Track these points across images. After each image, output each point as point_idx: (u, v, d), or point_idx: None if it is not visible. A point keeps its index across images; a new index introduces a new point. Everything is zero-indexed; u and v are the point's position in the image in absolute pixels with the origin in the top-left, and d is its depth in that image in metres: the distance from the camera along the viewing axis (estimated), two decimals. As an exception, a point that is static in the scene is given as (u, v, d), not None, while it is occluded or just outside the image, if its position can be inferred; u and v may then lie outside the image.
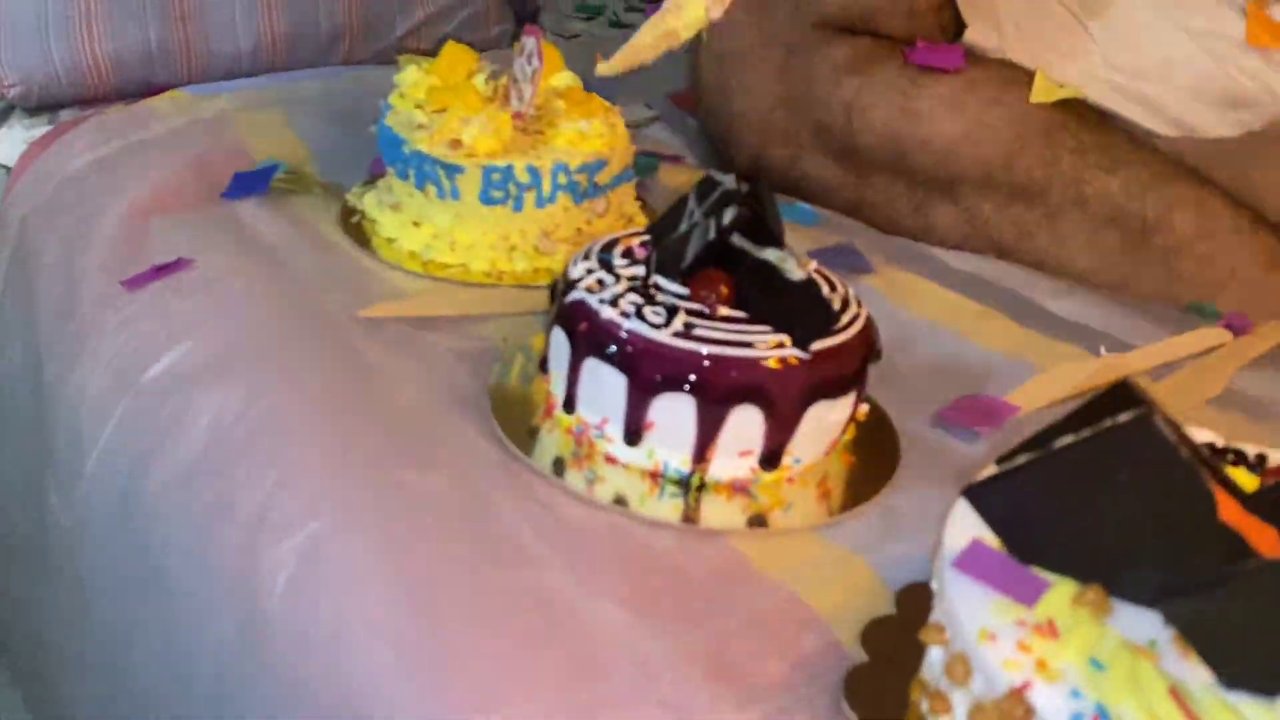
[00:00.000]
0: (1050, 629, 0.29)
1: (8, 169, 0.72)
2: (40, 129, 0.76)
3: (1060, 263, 0.63)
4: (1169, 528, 0.29)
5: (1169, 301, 0.62)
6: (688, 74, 0.78)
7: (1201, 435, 0.34)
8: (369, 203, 0.61)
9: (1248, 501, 0.29)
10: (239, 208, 0.61)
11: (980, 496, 0.32)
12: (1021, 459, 0.31)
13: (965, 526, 0.32)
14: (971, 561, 0.31)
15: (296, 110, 0.71)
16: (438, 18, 0.92)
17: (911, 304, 0.57)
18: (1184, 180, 0.63)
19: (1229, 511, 0.27)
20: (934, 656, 0.32)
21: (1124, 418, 0.29)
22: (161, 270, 0.56)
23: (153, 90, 0.78)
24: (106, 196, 0.63)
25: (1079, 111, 0.64)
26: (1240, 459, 0.35)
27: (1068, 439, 0.30)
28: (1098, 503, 0.29)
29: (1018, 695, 0.28)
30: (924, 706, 0.32)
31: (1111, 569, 0.29)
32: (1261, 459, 0.35)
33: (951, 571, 0.31)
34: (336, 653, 0.38)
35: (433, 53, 0.64)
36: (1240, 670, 0.27)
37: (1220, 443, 0.35)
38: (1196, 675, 0.28)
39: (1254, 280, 0.61)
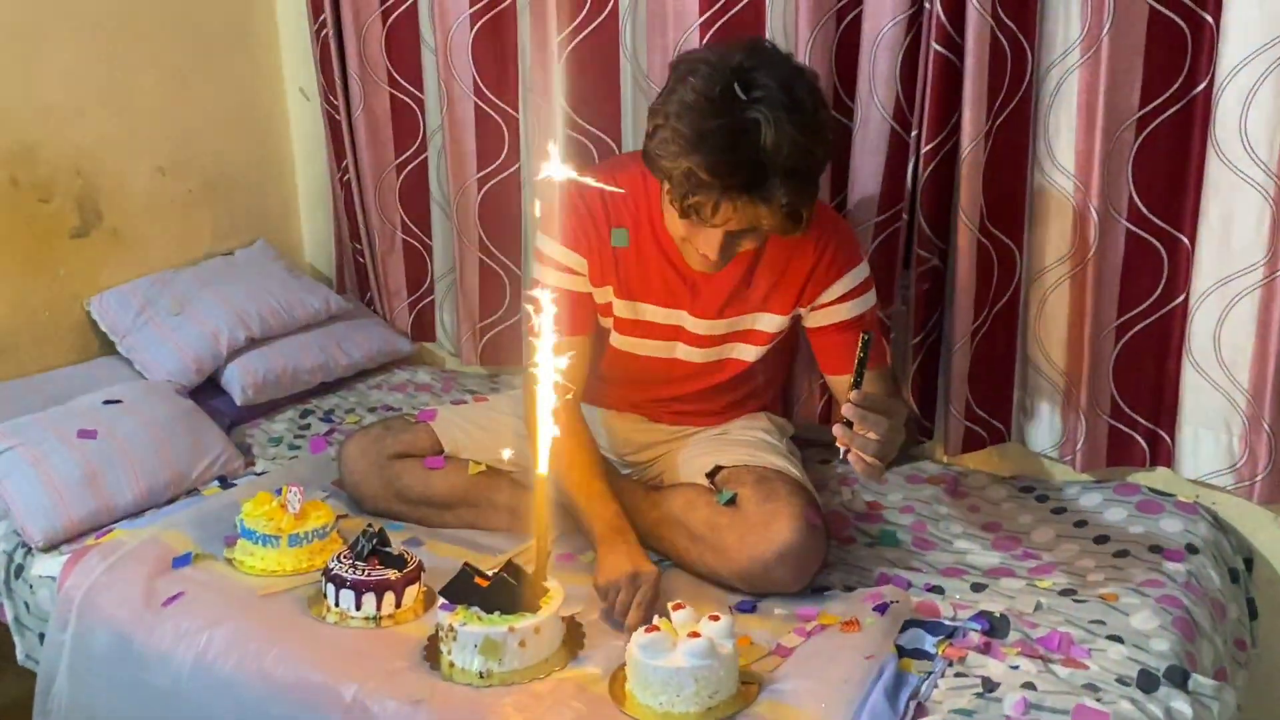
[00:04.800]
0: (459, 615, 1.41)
1: (54, 578, 1.66)
2: (58, 557, 1.70)
3: (490, 525, 1.79)
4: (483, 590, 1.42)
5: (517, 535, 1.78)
6: (338, 476, 1.88)
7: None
8: (238, 554, 1.64)
9: (489, 580, 1.42)
10: (185, 571, 1.62)
11: (447, 589, 1.44)
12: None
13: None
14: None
15: (182, 525, 1.73)
16: (212, 463, 1.96)
17: (437, 553, 1.70)
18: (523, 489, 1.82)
19: (482, 580, 1.41)
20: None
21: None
22: (172, 599, 1.56)
23: (100, 527, 1.76)
24: (124, 578, 1.61)
25: (492, 473, 1.81)
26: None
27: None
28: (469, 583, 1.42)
29: (450, 627, 1.39)
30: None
31: (475, 601, 1.42)
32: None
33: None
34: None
35: (220, 481, 1.74)
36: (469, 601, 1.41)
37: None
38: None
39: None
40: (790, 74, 1.43)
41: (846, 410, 1.36)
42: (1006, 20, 1.69)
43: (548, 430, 1.44)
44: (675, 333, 1.73)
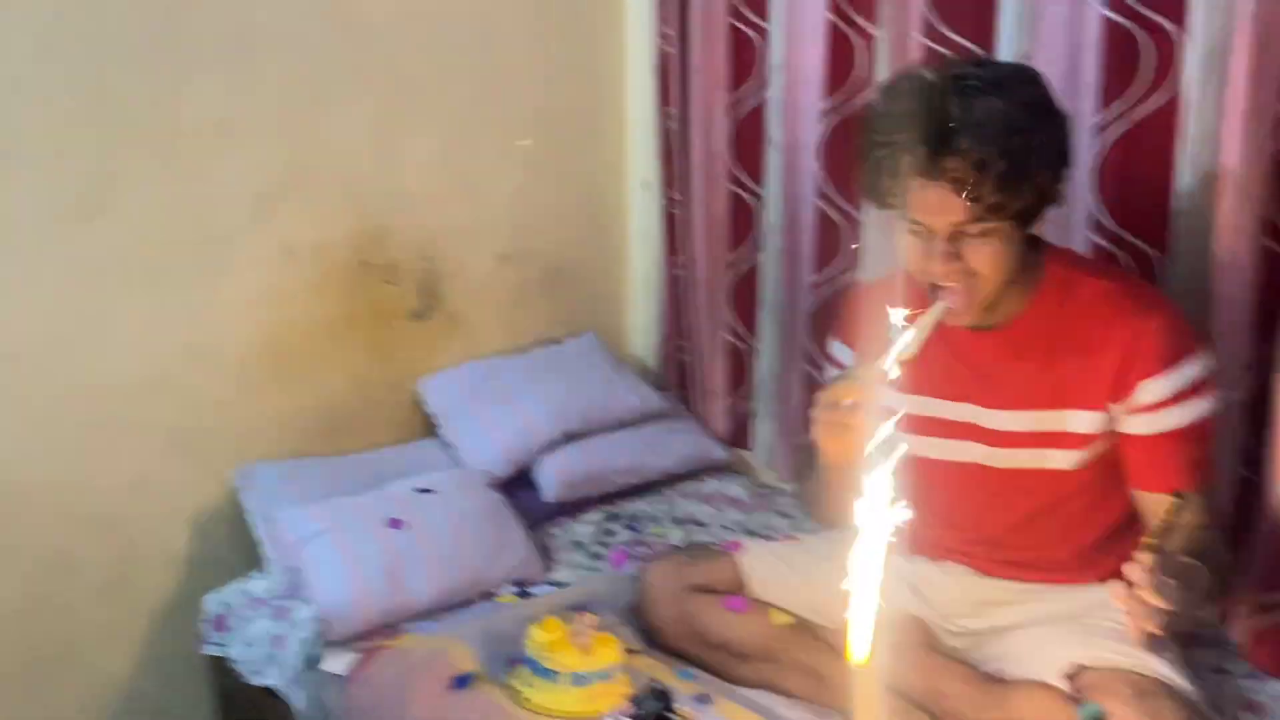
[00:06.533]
0: None
1: (342, 677, 1.63)
2: (345, 654, 1.68)
3: (792, 690, 1.56)
4: None
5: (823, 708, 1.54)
6: (635, 599, 1.73)
7: None
8: (519, 682, 1.53)
9: None
10: (465, 694, 1.53)
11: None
12: None
13: None
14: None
15: (471, 637, 1.64)
16: (511, 567, 1.89)
17: (728, 718, 1.49)
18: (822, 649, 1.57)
19: None
20: None
21: None
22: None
23: (395, 624, 1.72)
24: (405, 695, 1.54)
25: (801, 628, 1.59)
26: None
27: None
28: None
29: None
30: None
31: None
32: None
33: None
34: None
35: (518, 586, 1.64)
36: None
37: None
38: None
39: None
40: (997, 64, 1.41)
41: (1130, 571, 1.15)
42: None
43: (871, 594, 1.21)
44: (968, 430, 1.49)
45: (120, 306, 1.92)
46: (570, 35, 2.36)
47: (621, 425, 2.26)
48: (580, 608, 1.56)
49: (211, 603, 1.93)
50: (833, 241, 2.06)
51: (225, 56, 1.94)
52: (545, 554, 1.99)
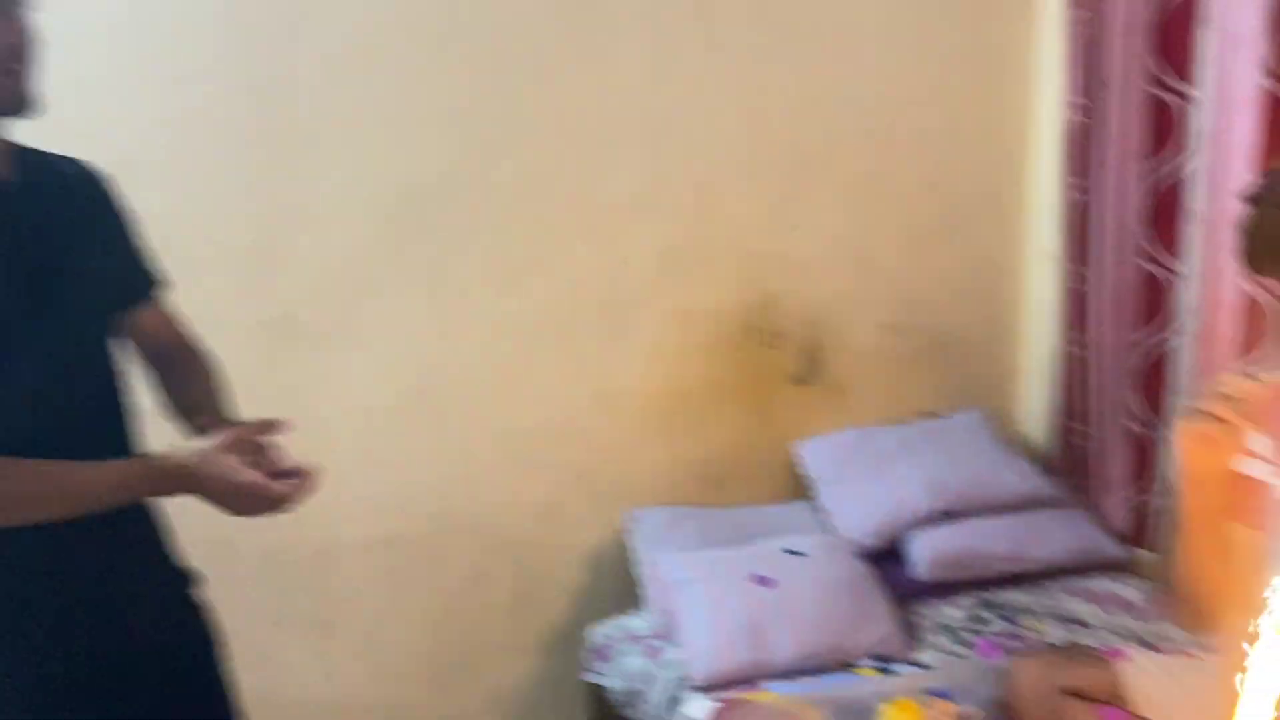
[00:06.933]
0: None
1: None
2: (705, 700, 1.75)
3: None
4: None
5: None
6: (1000, 694, 1.66)
7: None
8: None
9: None
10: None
11: None
12: None
13: None
14: None
15: (826, 706, 1.65)
16: (873, 640, 1.87)
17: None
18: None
19: None
20: None
21: None
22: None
23: (752, 680, 1.77)
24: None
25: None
26: None
27: None
28: None
29: None
30: None
31: None
32: None
33: None
34: None
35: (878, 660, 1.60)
36: None
37: None
38: None
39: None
40: None
41: None
42: None
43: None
44: None
45: (537, 359, 2.16)
46: (972, 106, 2.33)
47: (1003, 509, 2.16)
48: (941, 694, 1.53)
49: (595, 633, 2.10)
50: (1260, 326, 1.85)
51: (643, 139, 2.15)
52: (910, 632, 1.95)
